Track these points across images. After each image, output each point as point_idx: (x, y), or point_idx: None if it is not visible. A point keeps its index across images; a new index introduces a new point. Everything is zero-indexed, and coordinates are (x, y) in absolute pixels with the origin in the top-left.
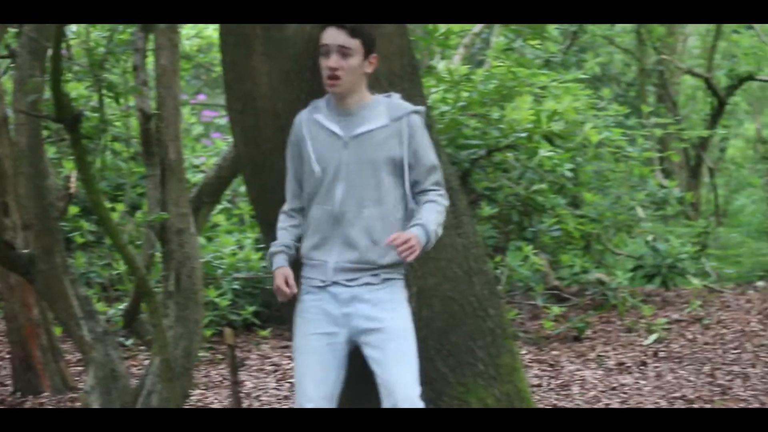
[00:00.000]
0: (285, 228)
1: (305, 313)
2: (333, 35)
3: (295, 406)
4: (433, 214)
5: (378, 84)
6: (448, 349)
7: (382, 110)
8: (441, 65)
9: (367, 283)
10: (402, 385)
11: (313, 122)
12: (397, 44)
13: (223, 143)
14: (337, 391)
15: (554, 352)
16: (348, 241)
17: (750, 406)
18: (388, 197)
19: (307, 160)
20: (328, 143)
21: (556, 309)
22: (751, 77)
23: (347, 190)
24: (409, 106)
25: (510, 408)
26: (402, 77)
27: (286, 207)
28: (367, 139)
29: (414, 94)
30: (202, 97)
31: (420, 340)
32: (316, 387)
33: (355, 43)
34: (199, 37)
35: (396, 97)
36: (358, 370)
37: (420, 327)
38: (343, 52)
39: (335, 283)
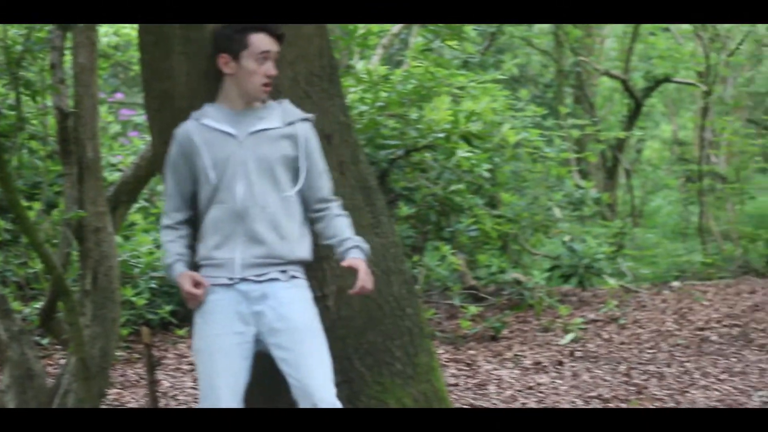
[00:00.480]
0: (173, 240)
1: (211, 313)
2: (271, 43)
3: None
4: (351, 229)
5: (297, 84)
6: (366, 348)
7: (277, 113)
8: (360, 65)
9: (276, 279)
10: (319, 386)
11: (204, 128)
12: (316, 44)
13: (141, 142)
14: (243, 392)
15: (471, 352)
16: (254, 237)
17: (665, 406)
18: (290, 197)
19: (200, 168)
20: (223, 144)
21: (473, 308)
22: (667, 79)
23: (248, 187)
24: (301, 113)
25: (430, 408)
26: (321, 77)
27: (168, 221)
28: (262, 137)
29: (333, 93)
30: (119, 96)
31: (338, 339)
32: (230, 390)
33: (278, 49)
34: (117, 35)
35: (287, 103)
36: (264, 371)
37: (338, 326)
38: (276, 59)
39: (244, 279)
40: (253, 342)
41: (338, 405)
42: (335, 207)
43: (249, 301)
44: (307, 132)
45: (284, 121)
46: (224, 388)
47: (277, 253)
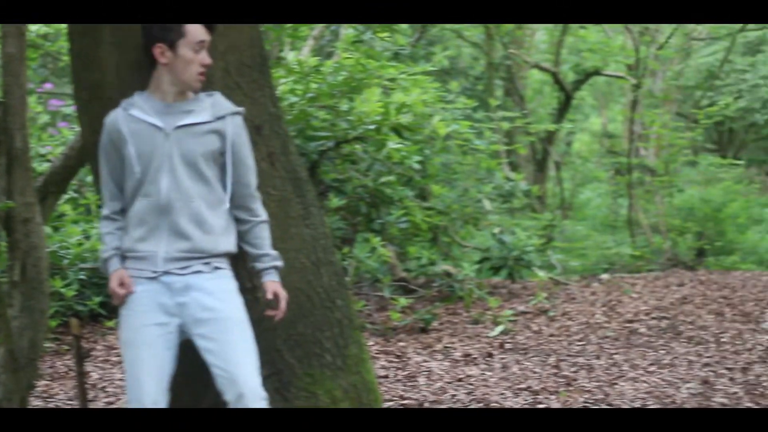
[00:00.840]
0: (111, 232)
1: (135, 305)
2: (205, 33)
3: (132, 402)
4: (269, 238)
5: (228, 75)
6: (296, 339)
7: (206, 106)
8: (290, 56)
9: (200, 272)
10: (245, 375)
11: (131, 119)
12: (247, 35)
13: (70, 133)
14: (168, 383)
15: (401, 344)
16: (178, 231)
17: (594, 398)
18: (214, 190)
19: (127, 158)
20: (149, 136)
21: (403, 300)
22: (597, 72)
23: (173, 181)
24: (232, 106)
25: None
26: (252, 67)
27: (106, 211)
28: (189, 132)
29: (263, 84)
30: (48, 86)
31: (268, 330)
32: (155, 382)
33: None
34: (47, 25)
35: (218, 95)
36: (190, 370)
37: (268, 317)
38: (208, 48)
39: (167, 272)
40: (177, 333)
41: (264, 395)
42: (259, 209)
43: (172, 293)
44: (236, 127)
45: (214, 114)
46: (148, 378)
47: (201, 247)
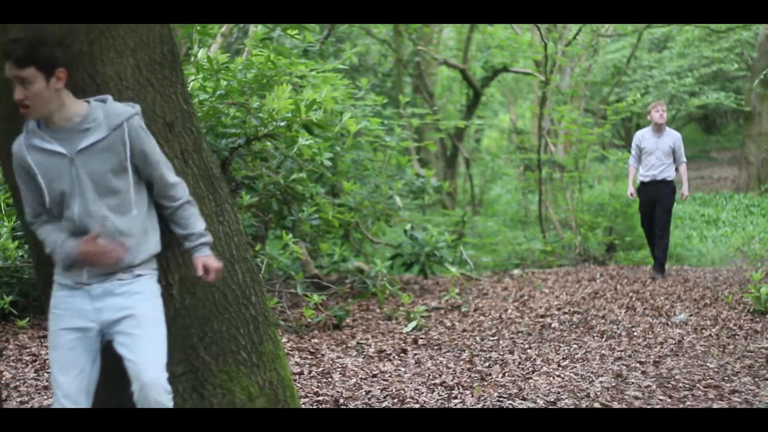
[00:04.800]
0: (48, 230)
1: (57, 309)
2: (7, 67)
3: (54, 402)
4: (196, 216)
5: (139, 72)
6: (211, 336)
7: (101, 120)
8: (201, 53)
9: (120, 279)
10: (149, 369)
11: (33, 148)
12: (157, 32)
13: None
14: (93, 384)
15: (315, 340)
16: None
17: (509, 392)
18: (130, 202)
19: (39, 187)
20: (54, 165)
21: (316, 297)
22: (505, 68)
23: (83, 205)
24: (124, 111)
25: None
26: (162, 65)
27: (31, 219)
28: (91, 152)
29: (174, 81)
30: None
31: (183, 327)
32: (71, 382)
33: (29, 72)
34: None
35: (110, 101)
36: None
37: (182, 315)
38: (21, 82)
39: (89, 283)
40: (98, 337)
41: (168, 388)
42: (179, 192)
43: (92, 299)
44: (133, 130)
45: (109, 127)
46: (65, 379)
47: (122, 264)
